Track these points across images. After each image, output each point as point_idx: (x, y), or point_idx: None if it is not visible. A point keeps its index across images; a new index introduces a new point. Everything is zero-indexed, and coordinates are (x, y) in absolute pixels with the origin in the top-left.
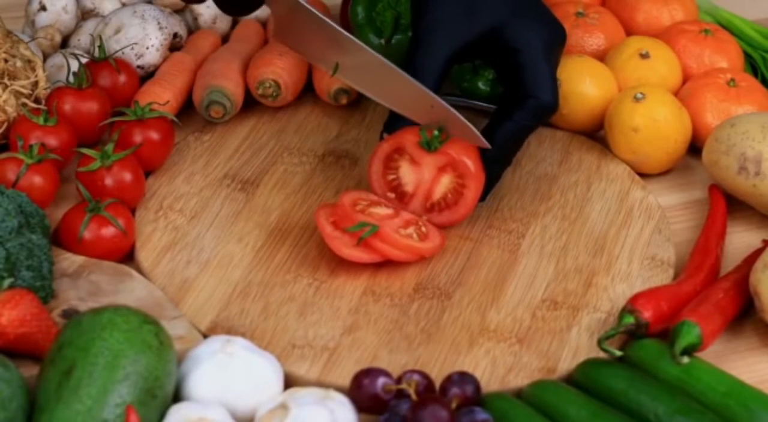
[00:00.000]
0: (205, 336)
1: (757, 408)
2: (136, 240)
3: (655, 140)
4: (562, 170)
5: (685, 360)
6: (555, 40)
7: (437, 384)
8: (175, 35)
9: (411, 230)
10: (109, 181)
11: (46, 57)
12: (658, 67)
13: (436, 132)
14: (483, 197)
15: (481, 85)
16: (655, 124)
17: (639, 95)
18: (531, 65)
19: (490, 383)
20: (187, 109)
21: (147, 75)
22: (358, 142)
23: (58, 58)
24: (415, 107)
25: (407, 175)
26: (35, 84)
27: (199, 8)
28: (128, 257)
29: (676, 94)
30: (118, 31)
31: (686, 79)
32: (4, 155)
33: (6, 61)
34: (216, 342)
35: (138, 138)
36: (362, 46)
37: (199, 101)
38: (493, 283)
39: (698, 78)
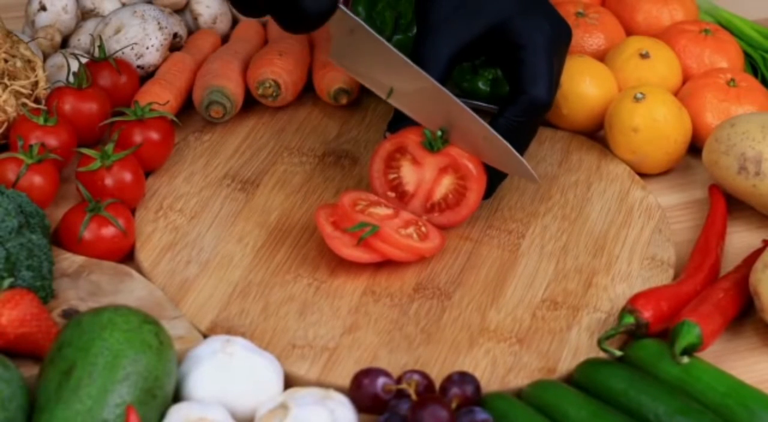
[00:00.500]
0: (205, 336)
1: (757, 408)
2: (136, 240)
3: (655, 140)
4: (562, 170)
5: (685, 360)
6: (560, 38)
7: (437, 384)
8: (175, 35)
9: (411, 230)
10: (109, 181)
11: (46, 57)
12: (658, 67)
13: (439, 133)
14: (487, 195)
15: (481, 85)
16: (655, 124)
17: (639, 95)
18: (530, 62)
19: (490, 383)
20: (187, 109)
21: (147, 75)
22: (358, 142)
23: (58, 58)
24: (468, 137)
25: (408, 175)
26: (35, 84)
27: (199, 8)
28: (128, 257)
29: (676, 94)
30: (118, 31)
31: (686, 79)
32: (4, 155)
33: (6, 61)
34: (216, 342)
35: (138, 138)
36: (421, 73)
37: (199, 101)
38: (493, 283)
39: (698, 78)
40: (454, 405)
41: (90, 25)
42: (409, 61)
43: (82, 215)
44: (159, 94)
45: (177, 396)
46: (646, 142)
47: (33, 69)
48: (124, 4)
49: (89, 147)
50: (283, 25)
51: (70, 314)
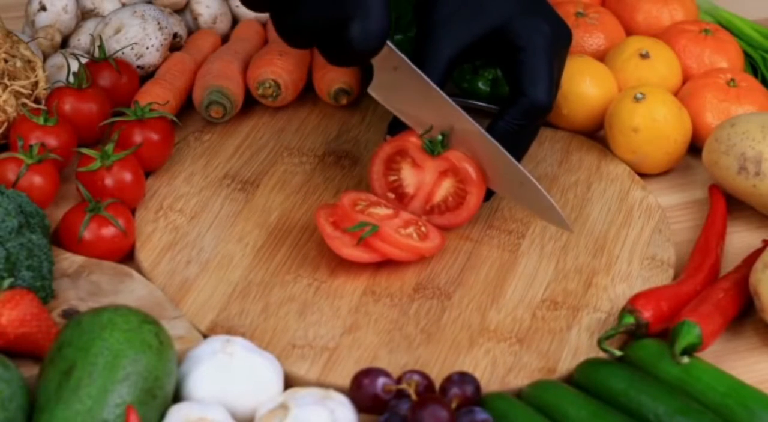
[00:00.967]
0: (205, 336)
1: (757, 408)
2: (136, 240)
3: (655, 140)
4: (562, 170)
5: (685, 360)
6: (560, 40)
7: (437, 384)
8: (175, 35)
9: (411, 230)
10: (109, 181)
11: (46, 57)
12: (658, 67)
13: (439, 137)
14: (487, 198)
15: (481, 85)
16: (655, 124)
17: (639, 95)
18: (530, 64)
19: (490, 383)
20: (187, 109)
21: (147, 75)
22: (358, 142)
23: (58, 58)
24: (502, 180)
25: (409, 177)
26: (35, 84)
27: (199, 8)
28: (128, 257)
29: (676, 94)
30: (118, 31)
31: (686, 79)
32: (4, 155)
33: (6, 61)
34: (216, 342)
35: (138, 138)
36: (462, 114)
37: (199, 101)
38: (493, 283)
39: (698, 78)
40: (454, 405)
41: (90, 25)
42: (451, 101)
43: (82, 215)
44: (159, 95)
45: (177, 396)
46: (646, 142)
47: (33, 69)
48: (124, 4)
49: (89, 147)
50: (329, 58)
51: (70, 314)
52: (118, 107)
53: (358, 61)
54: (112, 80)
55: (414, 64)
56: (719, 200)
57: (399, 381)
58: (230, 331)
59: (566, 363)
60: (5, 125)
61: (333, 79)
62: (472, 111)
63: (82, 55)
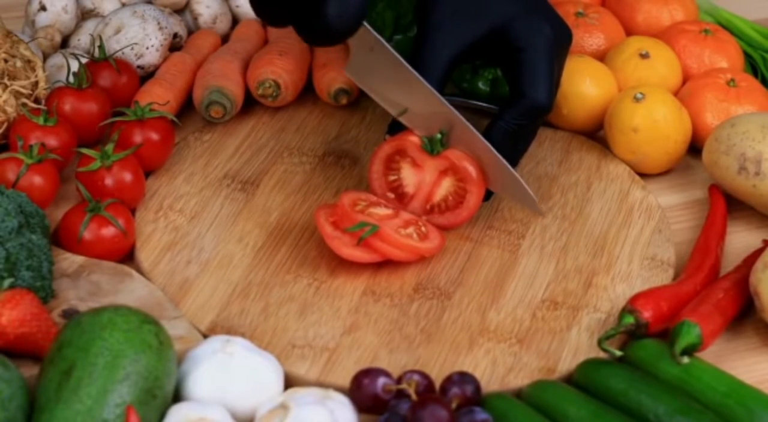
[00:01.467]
0: (205, 336)
1: (757, 408)
2: (136, 240)
3: (655, 140)
4: (562, 170)
5: (685, 360)
6: (560, 41)
7: (437, 384)
8: (175, 35)
9: (411, 230)
10: (109, 181)
11: (46, 57)
12: (658, 67)
13: (438, 136)
14: (487, 198)
15: (481, 85)
16: (655, 124)
17: (639, 95)
18: (530, 64)
19: (490, 383)
20: (187, 109)
21: (147, 75)
22: (358, 142)
23: (58, 58)
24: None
25: (408, 176)
26: (35, 84)
27: (199, 8)
28: (128, 257)
29: (676, 94)
30: (118, 31)
31: (686, 79)
32: (4, 155)
33: (6, 61)
34: (216, 342)
35: (138, 138)
36: (437, 97)
37: (199, 101)
38: (493, 283)
39: (698, 78)
40: (454, 405)
41: (90, 25)
42: (426, 83)
43: (82, 215)
44: (159, 95)
45: (177, 396)
46: (646, 142)
47: (33, 69)
48: (124, 4)
49: (89, 147)
50: (305, 37)
51: (70, 314)
52: (118, 107)
53: (334, 40)
54: (112, 80)
55: (414, 64)
56: (719, 200)
57: (399, 381)
58: (230, 331)
59: (566, 363)
60: (5, 125)
61: (333, 79)
62: (472, 111)
63: (82, 55)
